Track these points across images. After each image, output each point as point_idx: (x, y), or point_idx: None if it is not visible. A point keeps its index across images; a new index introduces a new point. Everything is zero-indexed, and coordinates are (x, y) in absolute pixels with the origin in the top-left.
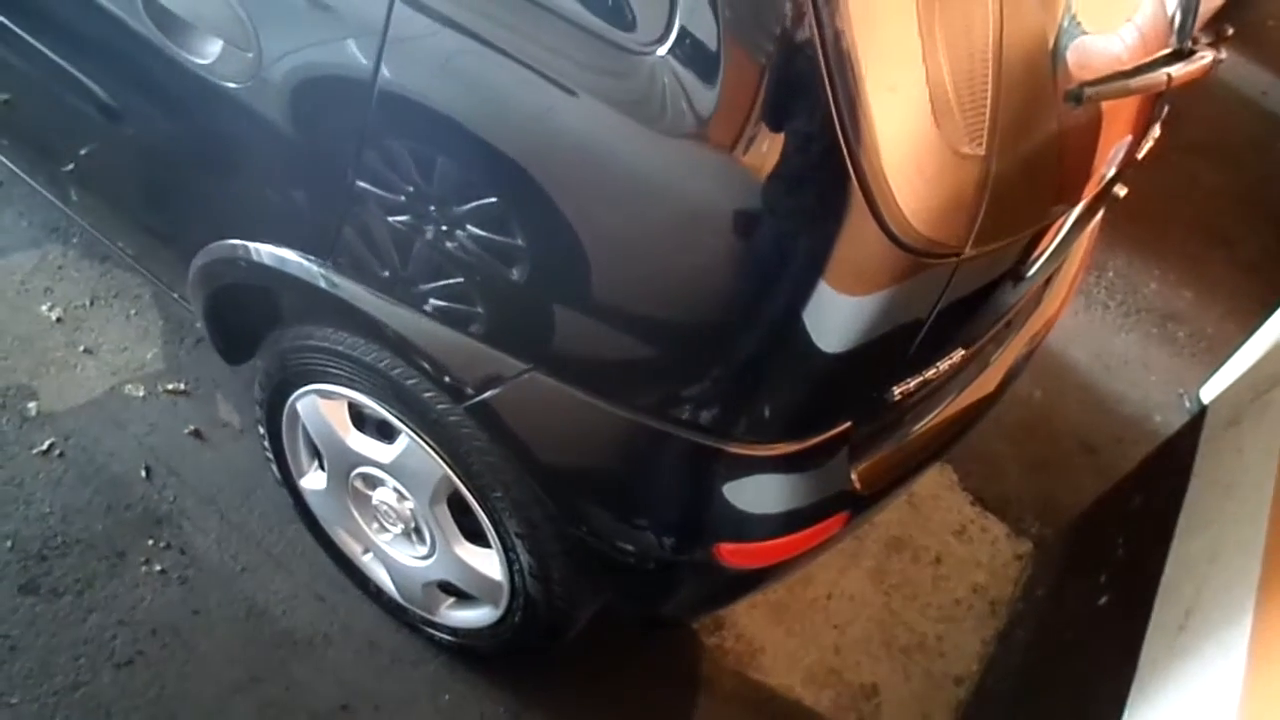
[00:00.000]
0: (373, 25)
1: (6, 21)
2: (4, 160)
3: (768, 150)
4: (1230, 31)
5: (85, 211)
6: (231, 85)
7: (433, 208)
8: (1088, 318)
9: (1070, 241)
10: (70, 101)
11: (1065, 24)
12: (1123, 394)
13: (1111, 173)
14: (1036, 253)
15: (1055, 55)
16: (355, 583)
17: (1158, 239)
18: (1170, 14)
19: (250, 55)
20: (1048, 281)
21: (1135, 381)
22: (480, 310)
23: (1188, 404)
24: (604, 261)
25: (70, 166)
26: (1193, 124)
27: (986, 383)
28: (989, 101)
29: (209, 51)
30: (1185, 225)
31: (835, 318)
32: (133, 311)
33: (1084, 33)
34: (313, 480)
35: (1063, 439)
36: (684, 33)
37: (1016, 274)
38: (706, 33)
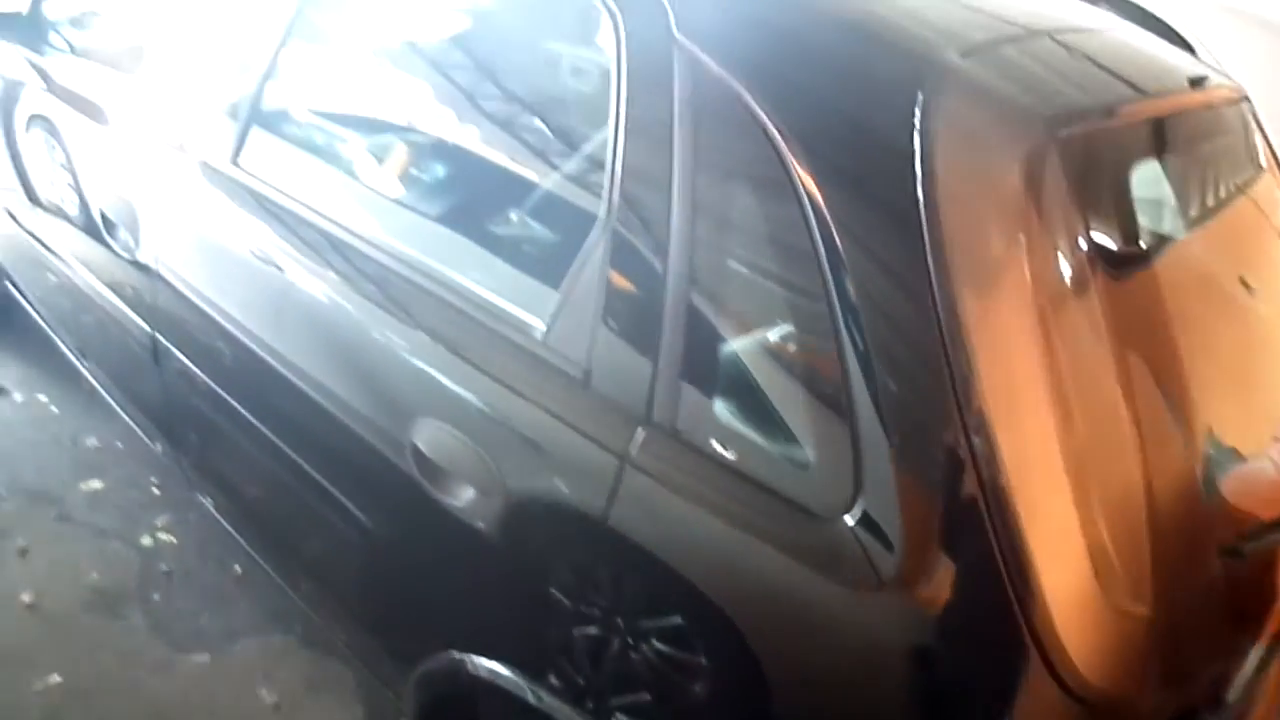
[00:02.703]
0: (605, 479)
1: (272, 436)
2: (247, 549)
3: (945, 608)
4: None
5: (314, 603)
6: (478, 523)
7: (627, 623)
8: None
9: (1265, 668)
10: (319, 509)
11: (1211, 451)
12: None
13: None
14: (1227, 688)
15: (1208, 489)
16: None
17: None
18: None
19: (496, 501)
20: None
21: None
22: None
23: None
24: (785, 689)
25: (307, 563)
26: None
27: None
28: (1149, 559)
29: (462, 496)
30: None
31: None
32: (341, 702)
33: (1234, 458)
34: None
35: None
36: (865, 509)
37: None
38: (888, 508)
